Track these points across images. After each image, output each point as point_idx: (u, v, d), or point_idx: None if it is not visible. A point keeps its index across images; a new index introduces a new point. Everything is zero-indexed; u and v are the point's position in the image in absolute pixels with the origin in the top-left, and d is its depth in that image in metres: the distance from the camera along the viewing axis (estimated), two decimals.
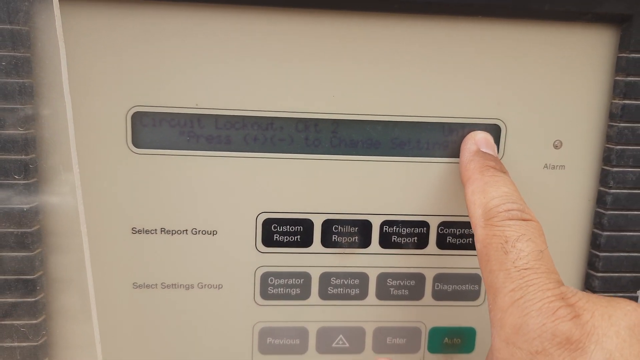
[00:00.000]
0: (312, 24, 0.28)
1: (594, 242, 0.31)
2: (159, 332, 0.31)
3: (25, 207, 0.27)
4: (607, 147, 0.31)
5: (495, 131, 0.30)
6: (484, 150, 0.29)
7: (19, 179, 0.27)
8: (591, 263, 0.32)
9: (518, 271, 0.23)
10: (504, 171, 0.28)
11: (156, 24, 0.28)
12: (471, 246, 0.32)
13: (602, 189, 0.31)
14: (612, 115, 0.30)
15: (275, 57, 0.29)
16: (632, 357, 0.21)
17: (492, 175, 0.27)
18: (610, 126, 0.30)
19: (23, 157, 0.27)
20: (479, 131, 0.30)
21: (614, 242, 0.31)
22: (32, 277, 0.28)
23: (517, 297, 0.23)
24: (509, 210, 0.25)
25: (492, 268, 0.24)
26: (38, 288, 0.28)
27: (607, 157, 0.31)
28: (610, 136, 0.30)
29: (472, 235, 0.32)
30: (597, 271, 0.31)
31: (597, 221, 0.31)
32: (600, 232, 0.31)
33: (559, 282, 0.23)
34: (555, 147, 0.31)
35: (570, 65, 0.30)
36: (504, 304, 0.23)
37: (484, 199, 0.26)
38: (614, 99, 0.30)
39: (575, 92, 0.30)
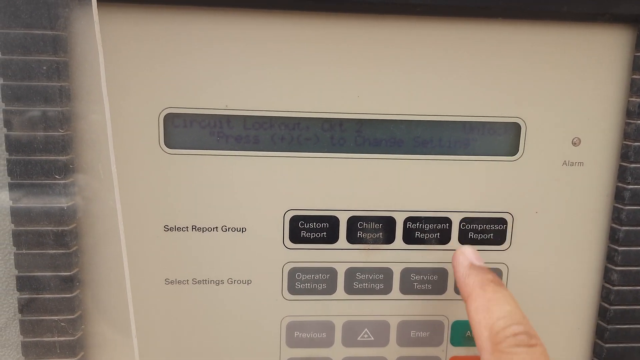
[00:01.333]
0: (337, 28, 0.29)
1: (613, 237, 0.32)
2: (190, 326, 0.32)
3: (65, 205, 0.28)
4: (624, 144, 0.31)
5: (515, 129, 0.31)
6: (477, 263, 0.29)
7: (59, 179, 0.28)
8: (610, 257, 0.32)
9: None
10: (503, 285, 0.27)
11: (187, 29, 0.29)
12: (493, 241, 0.32)
13: (620, 184, 0.32)
14: (630, 113, 0.31)
15: (301, 60, 0.30)
16: None
17: (494, 292, 0.26)
18: (627, 123, 0.31)
19: (63, 157, 0.28)
20: (466, 246, 0.30)
21: (632, 236, 0.32)
22: (69, 273, 0.29)
23: None
24: (515, 334, 0.24)
25: None
26: (76, 284, 0.29)
27: (625, 154, 0.31)
28: (628, 133, 0.31)
29: (493, 231, 0.32)
30: (616, 265, 0.32)
31: (616, 216, 0.32)
32: (618, 227, 0.32)
33: None
34: (574, 144, 0.32)
35: (588, 64, 0.31)
36: None
37: (490, 319, 0.25)
38: (631, 97, 0.31)
39: (594, 90, 0.31)
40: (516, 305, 0.26)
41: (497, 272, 0.33)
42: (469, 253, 0.29)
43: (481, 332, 0.25)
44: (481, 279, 0.27)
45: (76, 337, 0.30)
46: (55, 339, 0.29)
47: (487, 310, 0.25)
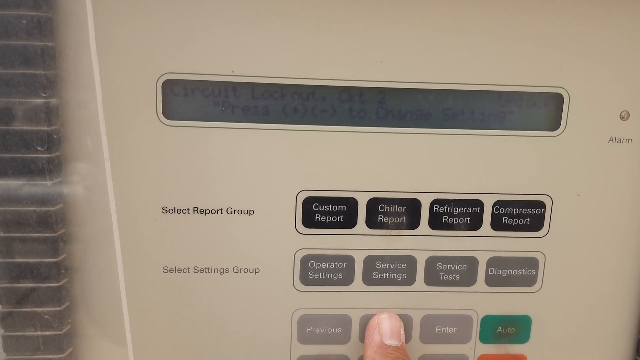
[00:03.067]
0: None
1: None
2: (191, 320, 0.29)
3: (49, 183, 0.25)
4: None
5: (557, 100, 0.28)
6: (388, 342, 0.28)
7: (41, 151, 0.24)
8: None
9: None
10: None
11: None
12: (529, 227, 0.29)
13: None
14: None
15: (317, 20, 0.26)
16: None
17: None
18: None
19: (46, 127, 0.24)
20: (386, 316, 0.29)
21: None
22: (55, 259, 0.26)
23: None
24: None
25: None
26: (63, 272, 0.26)
27: None
28: None
29: (530, 215, 0.29)
30: None
31: None
32: None
33: None
34: (622, 118, 0.29)
35: (637, 31, 0.28)
36: None
37: None
38: None
39: None
40: None
41: (533, 262, 0.30)
42: (383, 328, 0.28)
43: None
44: None
45: (63, 331, 0.27)
46: (39, 333, 0.26)
47: None
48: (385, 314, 0.29)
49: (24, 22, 0.23)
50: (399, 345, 0.28)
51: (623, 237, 0.30)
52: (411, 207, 0.29)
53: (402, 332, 0.28)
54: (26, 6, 0.23)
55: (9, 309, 0.26)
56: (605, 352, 0.31)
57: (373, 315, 0.30)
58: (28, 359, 0.26)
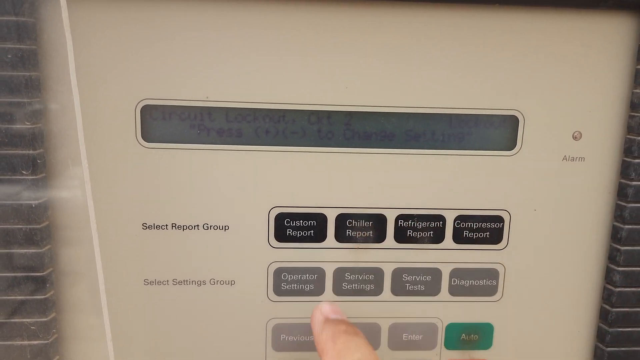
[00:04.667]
0: (324, 15, 0.28)
1: (615, 236, 0.31)
2: (171, 329, 0.30)
3: (34, 202, 0.26)
4: (628, 138, 0.30)
5: (513, 122, 0.30)
6: (333, 317, 0.28)
7: (27, 174, 0.26)
8: (612, 257, 0.31)
9: None
10: (356, 334, 0.26)
11: (165, 16, 0.27)
12: (489, 240, 0.31)
13: (623, 181, 0.30)
14: (634, 105, 0.29)
15: (287, 49, 0.28)
16: None
17: (344, 342, 0.25)
18: (631, 116, 0.30)
19: (31, 152, 0.26)
20: (325, 302, 0.30)
21: (635, 235, 0.30)
22: (41, 274, 0.28)
23: None
24: None
25: None
26: (48, 285, 0.28)
27: (628, 149, 0.30)
28: (632, 127, 0.30)
29: (489, 229, 0.31)
30: (618, 265, 0.31)
31: (618, 214, 0.30)
32: (621, 226, 0.30)
33: None
34: (575, 138, 0.30)
35: (589, 54, 0.29)
36: None
37: None
38: (636, 89, 0.29)
39: (595, 81, 0.30)
40: (369, 351, 0.25)
41: (494, 273, 0.31)
42: (325, 308, 0.29)
43: None
44: (333, 331, 0.26)
45: (49, 340, 0.28)
46: (27, 342, 0.28)
47: None
48: (322, 302, 0.30)
49: (10, 55, 0.25)
50: (343, 318, 0.29)
51: (578, 248, 0.31)
52: (377, 222, 0.30)
53: (343, 314, 0.29)
54: (11, 40, 0.25)
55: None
56: (564, 358, 0.33)
57: None
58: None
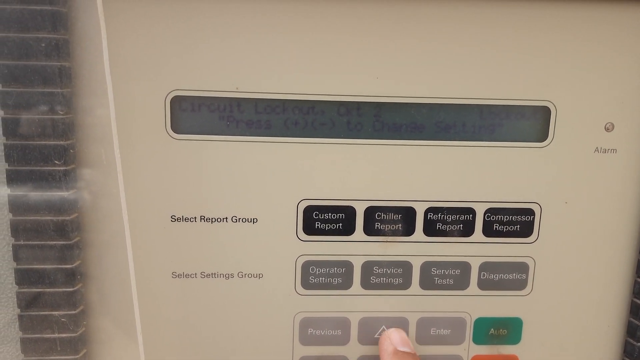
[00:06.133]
0: (354, 5, 0.28)
1: None
2: (198, 322, 0.30)
3: (66, 194, 0.26)
4: None
5: (544, 113, 0.29)
6: (401, 349, 0.29)
7: (58, 165, 0.26)
8: None
9: None
10: None
11: (195, 7, 0.27)
12: (519, 233, 0.31)
13: None
14: None
15: (317, 40, 0.28)
16: None
17: None
18: None
19: (63, 142, 0.26)
20: (394, 329, 0.30)
21: None
22: (70, 266, 0.28)
23: None
24: None
25: None
26: (78, 277, 0.28)
27: None
28: None
29: (520, 222, 0.30)
30: None
31: None
32: None
33: None
34: (607, 129, 0.30)
35: (622, 44, 0.29)
36: None
37: None
38: None
39: (628, 72, 0.29)
40: None
41: (523, 267, 0.31)
42: (394, 338, 0.29)
43: None
44: None
45: (78, 333, 0.28)
46: (56, 335, 0.28)
47: None
48: (391, 329, 0.30)
49: (43, 44, 0.25)
50: (411, 352, 0.29)
51: (609, 242, 0.31)
52: (407, 215, 0.30)
53: (410, 343, 0.30)
54: (45, 29, 0.25)
55: (27, 313, 0.28)
56: (594, 353, 0.33)
57: (371, 317, 0.31)
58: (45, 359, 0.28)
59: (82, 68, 0.26)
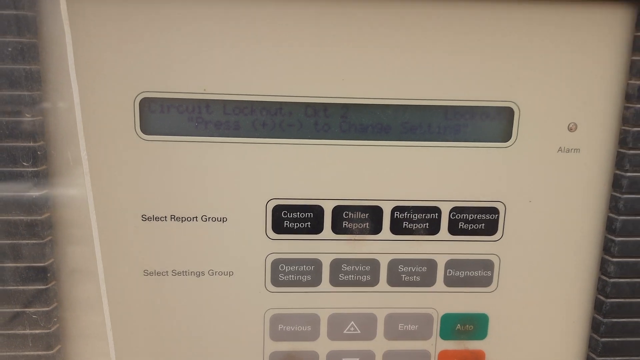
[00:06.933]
0: (321, 7, 0.28)
1: (610, 227, 0.31)
2: (170, 319, 0.31)
3: (35, 194, 0.27)
4: (623, 129, 0.30)
5: (508, 114, 0.30)
6: None
7: (27, 166, 0.26)
8: (607, 248, 0.31)
9: None
10: None
11: (163, 9, 0.27)
12: (484, 231, 0.31)
13: (617, 172, 0.30)
14: (629, 96, 0.30)
15: (284, 41, 0.28)
16: None
17: None
18: (626, 107, 0.30)
19: (32, 144, 0.26)
20: None
21: (630, 226, 0.30)
22: (43, 264, 0.28)
23: None
24: None
25: None
26: (49, 275, 0.28)
27: (623, 140, 0.30)
28: (627, 118, 0.30)
29: (484, 221, 0.31)
30: (613, 256, 0.31)
31: (613, 205, 0.31)
32: (616, 217, 0.30)
33: None
34: (570, 129, 0.30)
35: (585, 45, 0.29)
36: None
37: None
38: (631, 80, 0.29)
39: (591, 73, 0.30)
40: None
41: (489, 264, 0.32)
42: None
43: None
44: None
45: (51, 330, 0.29)
46: (28, 331, 0.28)
47: None
48: None
49: (10, 48, 0.25)
50: None
51: (573, 240, 0.32)
52: (374, 214, 0.31)
53: None
54: (11, 33, 0.25)
55: (1, 310, 0.28)
56: (559, 348, 0.33)
57: (340, 313, 0.32)
58: (19, 355, 0.29)
59: (50, 71, 0.27)
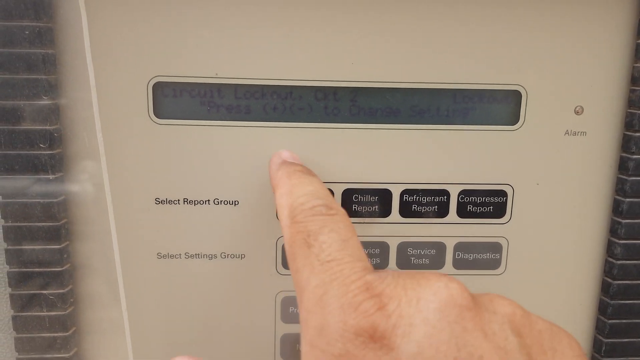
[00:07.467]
0: None
1: (616, 209, 0.31)
2: (183, 301, 0.31)
3: (51, 177, 0.27)
4: (629, 112, 0.30)
5: (516, 97, 0.30)
6: (290, 160, 0.29)
7: (44, 148, 0.27)
8: (613, 230, 0.32)
9: (321, 264, 0.21)
10: (311, 174, 0.27)
11: None
12: (492, 214, 0.32)
13: (624, 154, 0.31)
14: (635, 79, 0.30)
15: (294, 26, 0.29)
16: (442, 345, 0.18)
17: (298, 178, 0.26)
18: (632, 90, 0.30)
19: (48, 127, 0.27)
20: (284, 150, 0.30)
21: (636, 208, 0.31)
22: (58, 246, 0.29)
23: (321, 293, 0.20)
24: (313, 207, 0.24)
25: (297, 266, 0.22)
26: (65, 257, 0.29)
27: (629, 123, 0.30)
28: (633, 101, 0.30)
29: (493, 203, 0.31)
30: (620, 238, 0.31)
31: (619, 187, 0.31)
32: (622, 199, 0.31)
33: (365, 269, 0.21)
34: (577, 113, 0.31)
35: (591, 28, 0.30)
36: (309, 304, 0.20)
37: (290, 199, 0.25)
38: (637, 63, 0.30)
39: (597, 56, 0.30)
40: (321, 186, 0.25)
41: (497, 247, 0.32)
42: (283, 153, 0.29)
43: (282, 212, 0.25)
44: (289, 170, 0.27)
45: (67, 312, 0.29)
46: (45, 313, 0.29)
47: (289, 193, 0.25)
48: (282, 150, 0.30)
49: (27, 32, 0.26)
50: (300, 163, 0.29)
51: (580, 222, 0.32)
52: (383, 197, 0.31)
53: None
54: (28, 18, 0.26)
55: (18, 292, 0.29)
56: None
57: None
58: (36, 337, 0.29)
59: (66, 55, 0.27)
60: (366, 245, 0.32)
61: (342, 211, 0.24)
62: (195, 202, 0.30)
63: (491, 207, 0.32)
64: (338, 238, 0.22)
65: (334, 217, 0.23)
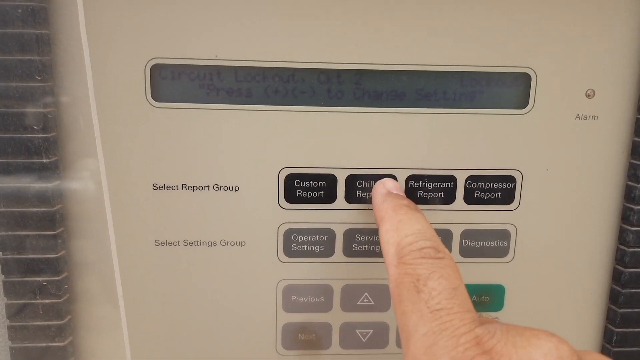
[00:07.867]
0: None
1: (629, 195, 0.30)
2: (181, 289, 0.31)
3: (45, 160, 0.27)
4: None
5: (525, 80, 0.29)
6: (395, 192, 0.29)
7: (37, 130, 0.26)
8: (625, 217, 0.31)
9: (431, 312, 0.21)
10: (417, 210, 0.27)
11: None
12: (501, 201, 0.31)
13: (636, 139, 0.30)
14: None
15: (296, 6, 0.28)
16: None
17: (405, 214, 0.26)
18: None
19: (42, 110, 0.26)
20: (388, 178, 0.30)
21: None
22: (53, 232, 0.28)
23: (430, 343, 0.20)
24: (421, 248, 0.24)
25: (404, 309, 0.22)
26: (60, 242, 0.28)
27: None
28: None
29: (501, 189, 0.31)
30: (632, 225, 0.30)
31: (632, 173, 0.30)
32: (635, 184, 0.30)
33: (474, 321, 0.21)
34: (588, 96, 0.30)
35: (603, 10, 0.29)
36: (417, 351, 0.21)
37: (397, 237, 0.25)
38: None
39: (609, 39, 0.29)
40: (428, 225, 0.25)
41: (505, 234, 0.31)
42: (388, 183, 0.29)
43: (389, 249, 0.25)
44: (395, 204, 0.27)
45: (62, 299, 0.29)
46: (39, 301, 0.28)
47: (396, 229, 0.25)
48: (385, 178, 0.30)
49: (20, 11, 0.25)
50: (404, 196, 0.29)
51: (590, 208, 0.31)
52: None
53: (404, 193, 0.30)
54: None
55: (13, 279, 0.28)
56: (576, 319, 0.33)
57: (354, 284, 0.31)
58: (30, 325, 0.28)
59: (60, 35, 0.26)
60: (370, 232, 0.31)
61: (449, 254, 0.24)
62: (194, 188, 0.30)
63: (499, 194, 0.31)
64: (448, 286, 0.22)
65: (442, 261, 0.23)
